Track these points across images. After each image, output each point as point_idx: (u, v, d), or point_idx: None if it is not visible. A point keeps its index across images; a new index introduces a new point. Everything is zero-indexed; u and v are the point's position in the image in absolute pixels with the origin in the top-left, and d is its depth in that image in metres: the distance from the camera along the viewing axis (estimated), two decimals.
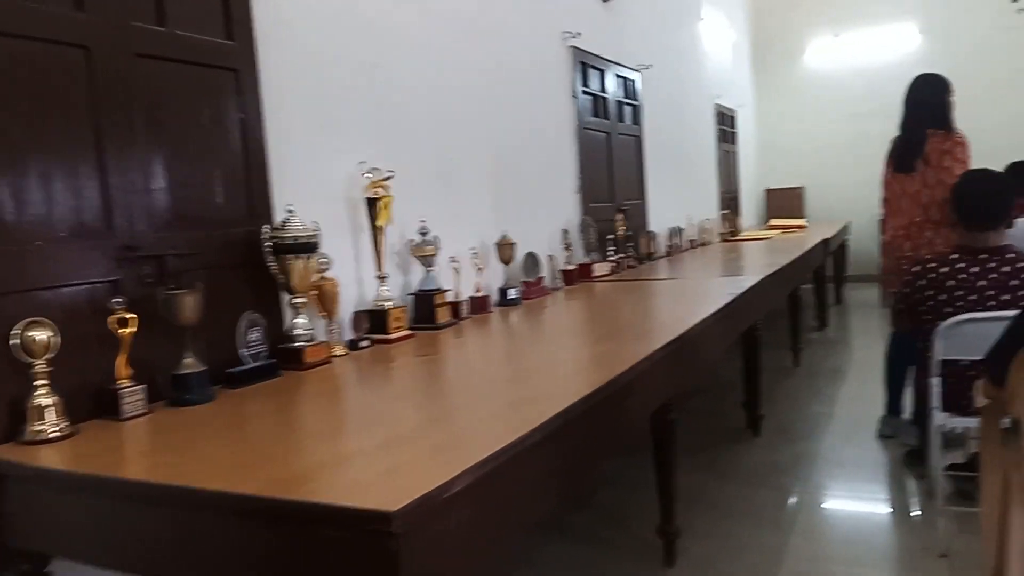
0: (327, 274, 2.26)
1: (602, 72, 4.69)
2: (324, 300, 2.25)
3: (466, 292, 2.98)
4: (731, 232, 7.05)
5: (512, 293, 3.23)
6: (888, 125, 3.58)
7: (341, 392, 2.04)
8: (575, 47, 4.24)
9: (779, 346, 5.36)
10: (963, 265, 2.52)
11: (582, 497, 3.15)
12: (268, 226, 2.08)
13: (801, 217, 8.35)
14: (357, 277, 2.53)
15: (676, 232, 5.63)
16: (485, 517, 1.28)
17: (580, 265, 4.04)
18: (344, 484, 1.23)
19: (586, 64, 4.44)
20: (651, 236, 5.18)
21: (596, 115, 4.61)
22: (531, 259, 3.48)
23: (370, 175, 2.46)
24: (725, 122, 7.70)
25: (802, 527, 2.80)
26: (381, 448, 1.39)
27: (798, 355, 5.16)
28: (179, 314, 1.77)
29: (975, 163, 2.91)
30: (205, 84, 2.01)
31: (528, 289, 3.38)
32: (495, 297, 3.23)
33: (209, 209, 2.02)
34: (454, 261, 2.90)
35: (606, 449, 1.84)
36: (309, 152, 2.35)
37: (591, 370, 1.98)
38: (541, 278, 3.53)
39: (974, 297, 2.47)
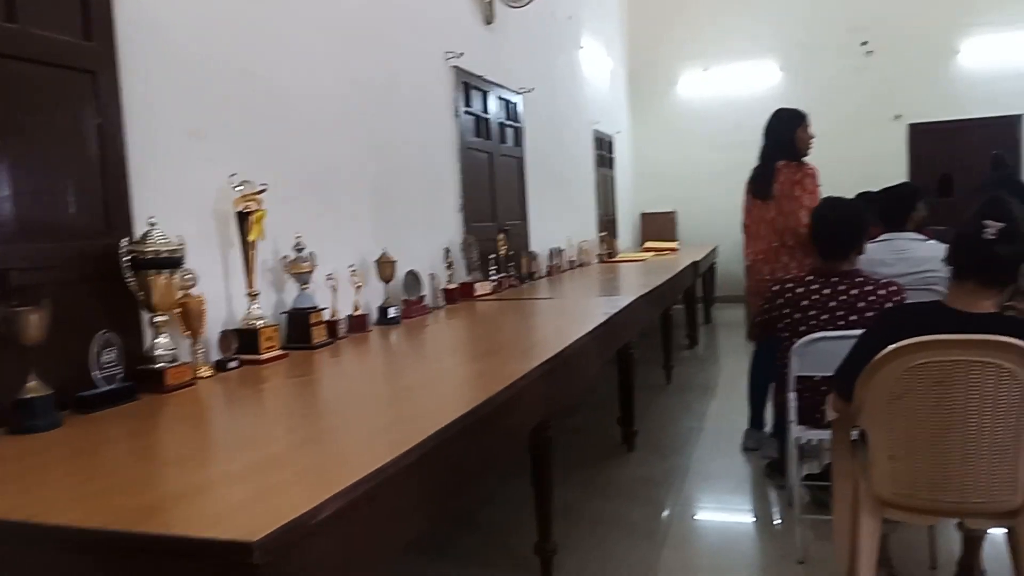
0: (193, 291, 2.14)
1: (485, 93, 4.74)
2: (189, 318, 2.12)
3: (344, 311, 2.91)
4: (608, 253, 7.27)
5: (392, 312, 3.18)
6: (752, 155, 3.82)
7: (205, 415, 1.93)
8: (458, 67, 4.26)
9: (652, 363, 5.56)
10: (817, 287, 2.70)
11: (463, 516, 3.13)
12: (127, 239, 1.95)
13: (673, 240, 8.73)
14: (226, 294, 2.41)
15: (556, 253, 5.75)
16: (357, 542, 1.23)
17: (462, 284, 4.04)
18: (203, 513, 1.16)
19: (469, 84, 4.48)
20: (532, 256, 5.26)
21: (479, 135, 4.65)
22: (412, 277, 3.44)
23: (241, 188, 2.36)
24: (603, 147, 7.96)
25: (674, 539, 2.90)
26: (246, 474, 1.32)
27: (670, 372, 5.36)
28: (22, 333, 1.62)
29: (831, 193, 3.13)
30: (59, 86, 1.87)
31: (409, 308, 3.35)
32: (374, 316, 3.17)
33: (61, 220, 1.87)
34: (331, 278, 2.83)
35: (484, 468, 1.83)
36: (176, 162, 2.23)
37: (470, 389, 1.97)
38: (422, 297, 3.50)
39: (826, 316, 2.66)
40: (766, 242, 3.67)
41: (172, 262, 1.99)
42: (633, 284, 4.89)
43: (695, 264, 6.33)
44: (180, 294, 2.07)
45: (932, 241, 3.15)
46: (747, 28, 9.17)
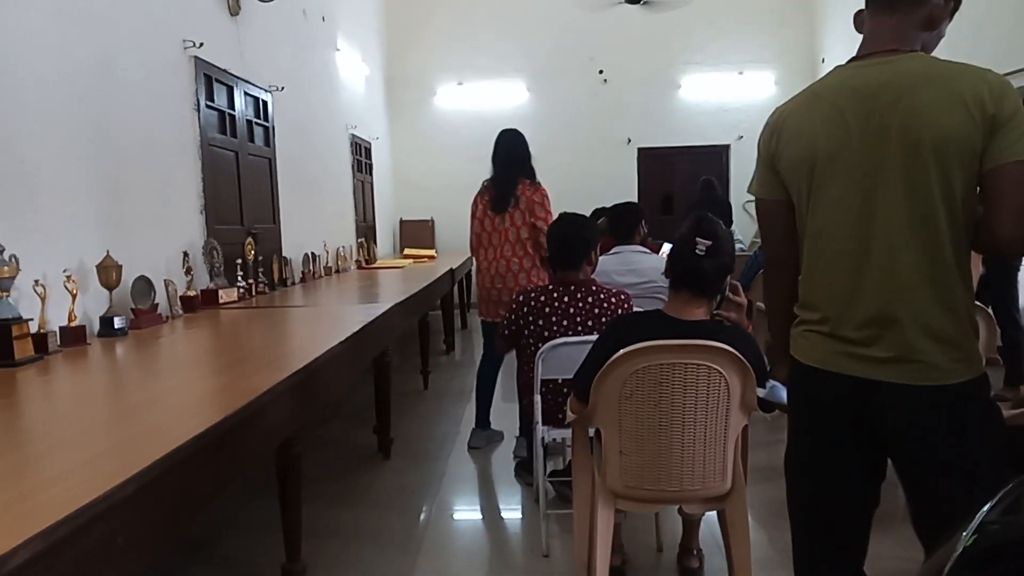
0: None
1: (230, 88, 4.45)
2: None
3: (56, 321, 2.56)
4: (367, 260, 7.18)
5: (118, 322, 2.85)
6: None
7: None
8: (198, 57, 3.95)
9: (411, 370, 5.59)
10: (557, 295, 2.87)
11: (201, 543, 2.89)
12: None
13: (431, 248, 8.85)
14: None
15: (312, 258, 5.55)
16: None
17: (204, 291, 3.74)
18: None
19: (212, 77, 4.17)
20: (285, 261, 5.02)
21: (223, 132, 4.35)
22: (143, 283, 3.12)
23: None
24: (361, 152, 7.85)
25: (429, 545, 2.91)
26: None
27: (427, 378, 5.42)
28: None
29: (572, 207, 3.35)
30: None
31: (139, 318, 3.02)
32: (96, 327, 2.82)
33: None
34: (39, 285, 2.47)
35: (221, 491, 1.69)
36: None
37: (206, 406, 1.81)
38: (156, 305, 3.18)
39: (566, 323, 2.84)
40: (498, 252, 3.90)
41: None
42: (391, 291, 4.86)
43: (452, 271, 6.46)
44: None
45: (656, 255, 3.52)
46: (497, 47, 9.58)
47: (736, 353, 1.93)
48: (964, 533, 0.74)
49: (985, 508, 0.76)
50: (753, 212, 7.67)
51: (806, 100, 1.49)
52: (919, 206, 1.34)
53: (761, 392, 1.80)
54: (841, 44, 8.26)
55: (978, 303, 1.64)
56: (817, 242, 1.47)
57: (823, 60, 9.08)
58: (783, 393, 1.65)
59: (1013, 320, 4.51)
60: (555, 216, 3.17)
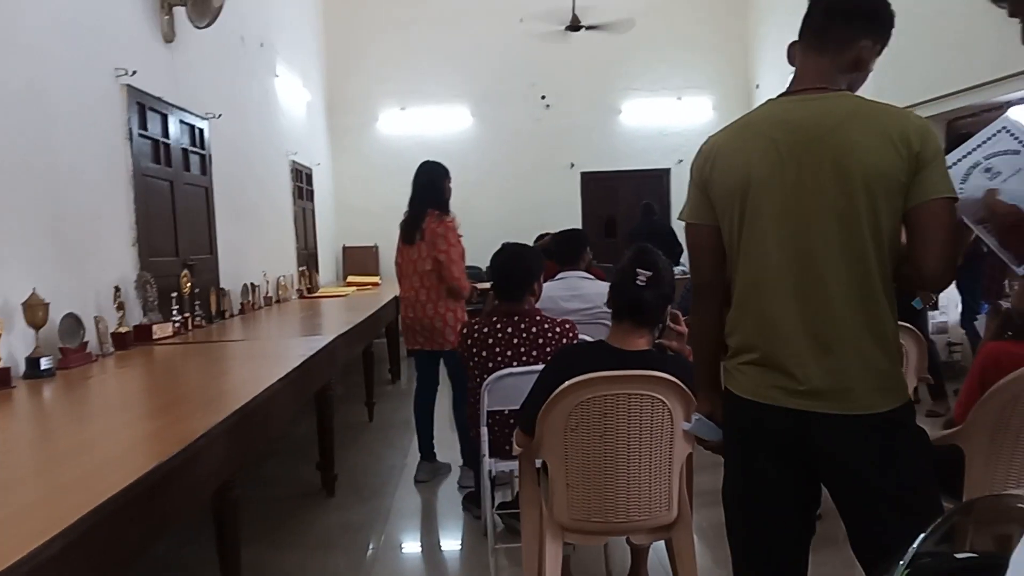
0: None
1: (164, 116, 4.34)
2: None
3: None
4: (308, 288, 7.06)
5: (45, 363, 2.72)
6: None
7: None
8: (131, 86, 3.85)
9: (355, 400, 5.49)
10: (500, 326, 2.86)
11: None
12: None
13: (376, 275, 8.76)
14: None
15: (251, 289, 5.43)
16: None
17: (137, 327, 3.61)
18: None
19: (145, 106, 4.07)
20: (223, 293, 4.90)
21: (157, 162, 4.24)
22: (72, 321, 2.99)
23: None
24: (301, 179, 7.75)
25: None
26: None
27: (372, 409, 5.33)
28: None
29: (516, 232, 3.36)
30: None
31: (68, 357, 2.90)
32: (21, 368, 2.70)
33: None
34: None
35: (154, 541, 1.62)
36: None
37: (138, 453, 1.74)
38: (85, 343, 3.06)
39: (511, 353, 2.82)
40: (410, 283, 3.93)
41: None
42: (334, 321, 4.79)
43: (397, 298, 6.39)
44: None
45: (601, 282, 3.54)
46: (440, 73, 9.62)
47: (679, 382, 1.95)
48: (899, 565, 0.75)
49: (918, 540, 0.78)
50: None
51: (740, 130, 1.52)
52: (849, 238, 1.38)
53: (686, 426, 1.77)
54: (775, 71, 8.55)
55: (906, 324, 1.69)
56: (748, 272, 1.49)
57: (757, 86, 9.38)
58: (706, 427, 1.63)
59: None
60: (498, 247, 3.15)
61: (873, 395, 1.40)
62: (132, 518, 1.46)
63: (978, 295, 4.90)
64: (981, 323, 3.98)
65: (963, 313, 5.04)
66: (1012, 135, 1.44)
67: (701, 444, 1.73)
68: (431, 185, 3.90)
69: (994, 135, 1.46)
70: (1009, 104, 5.09)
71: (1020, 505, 0.72)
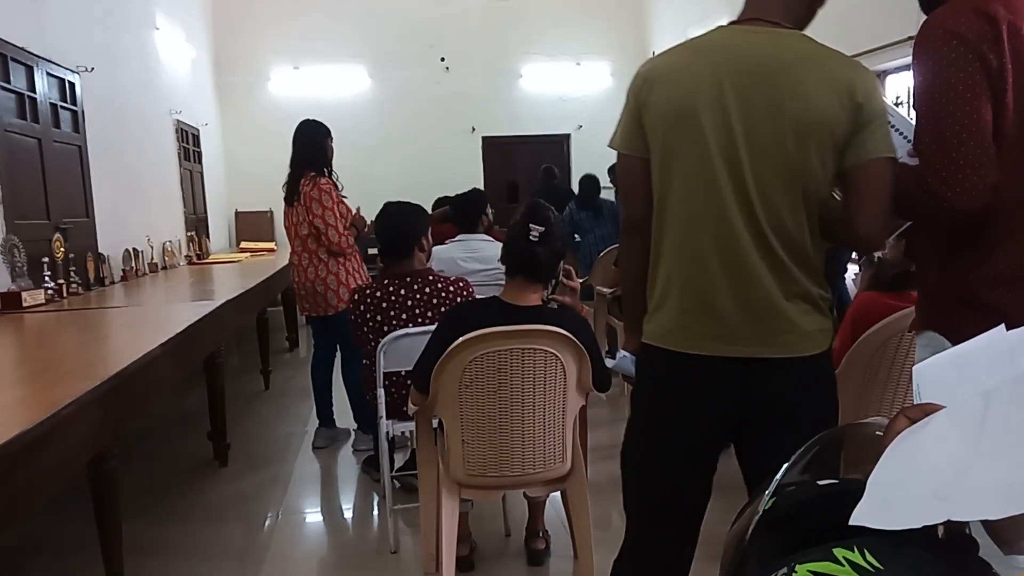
0: None
1: (30, 68, 4.00)
2: None
3: None
4: (198, 255, 6.75)
5: None
6: (341, 159, 3.84)
7: None
8: None
9: (251, 369, 5.31)
10: (393, 288, 2.80)
11: (6, 572, 2.60)
12: None
13: (271, 240, 8.46)
14: None
15: (133, 254, 5.13)
16: None
17: (4, 294, 3.36)
18: None
19: (6, 56, 3.73)
20: (102, 259, 4.61)
21: (23, 117, 3.91)
22: None
23: None
24: (188, 140, 7.35)
25: (273, 554, 2.77)
26: None
27: (268, 377, 5.17)
28: None
29: (417, 197, 3.24)
30: None
31: None
32: None
33: None
34: None
35: (19, 516, 1.51)
36: None
37: (1, 422, 1.62)
38: None
39: (405, 316, 2.78)
40: (293, 247, 3.83)
41: None
42: (223, 287, 4.60)
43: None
44: None
45: (500, 243, 3.53)
46: (335, 30, 9.27)
47: (571, 336, 1.97)
48: (764, 496, 0.77)
49: (782, 470, 0.79)
50: None
51: (684, 54, 1.43)
52: (779, 184, 1.34)
53: (610, 363, 1.74)
54: (670, 35, 8.70)
55: None
56: (674, 214, 1.41)
57: (653, 52, 9.53)
58: (631, 364, 1.57)
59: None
60: (380, 206, 3.05)
61: (810, 338, 1.39)
62: None
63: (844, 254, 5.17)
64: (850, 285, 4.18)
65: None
66: (893, 127, 1.49)
67: (627, 381, 1.67)
68: (309, 145, 3.72)
69: None
70: (886, 73, 5.37)
71: (879, 432, 0.76)
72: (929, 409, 0.67)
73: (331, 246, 3.64)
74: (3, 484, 1.42)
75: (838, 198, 1.41)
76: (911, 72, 1.35)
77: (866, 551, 0.60)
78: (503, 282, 2.12)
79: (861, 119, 1.32)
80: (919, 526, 0.57)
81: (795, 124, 1.31)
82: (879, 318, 2.06)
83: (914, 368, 0.78)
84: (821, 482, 0.81)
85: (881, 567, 0.59)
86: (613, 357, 1.77)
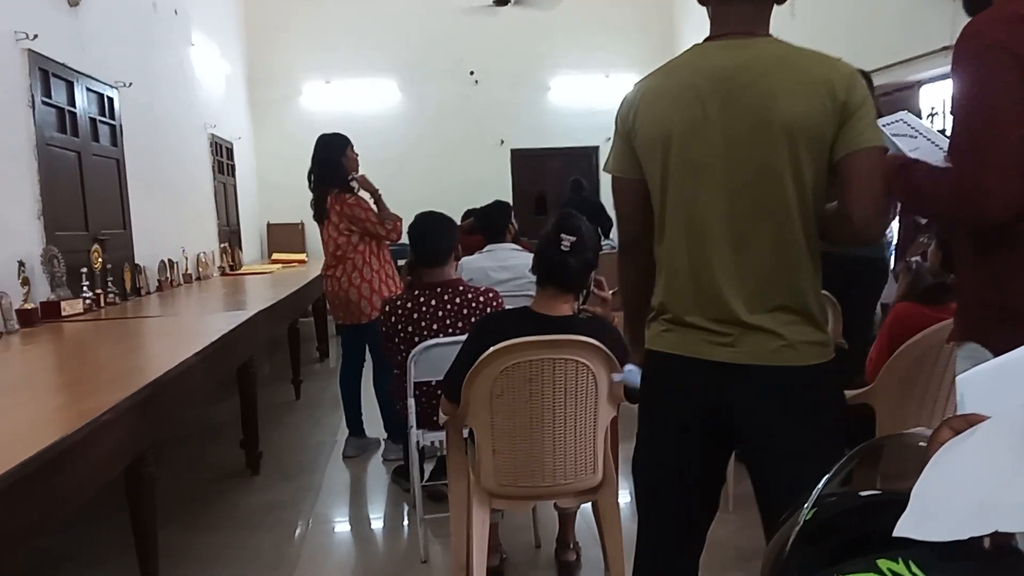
0: None
1: (71, 84, 4.11)
2: None
3: None
4: (231, 266, 6.85)
5: None
6: (370, 171, 3.88)
7: None
8: (32, 50, 3.62)
9: (282, 379, 5.37)
10: (424, 299, 2.82)
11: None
12: None
13: (302, 252, 8.56)
14: None
15: (169, 265, 5.22)
16: None
17: (44, 304, 3.43)
18: None
19: (48, 72, 3.84)
20: (138, 269, 4.70)
21: (63, 131, 4.01)
22: None
23: None
24: (222, 153, 7.48)
25: (304, 562, 2.79)
26: None
27: (299, 387, 5.22)
28: None
29: (446, 210, 3.25)
30: None
31: None
32: None
33: None
34: None
35: (53, 521, 1.54)
36: None
37: (39, 429, 1.64)
38: None
39: (436, 326, 2.79)
40: (326, 260, 3.88)
41: None
42: (256, 297, 4.66)
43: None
44: None
45: (528, 253, 3.55)
46: (366, 45, 9.39)
47: (601, 346, 1.96)
48: (804, 507, 0.76)
49: (823, 482, 0.79)
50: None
51: (662, 77, 1.46)
52: (772, 192, 1.34)
53: (617, 377, 1.73)
54: None
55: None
56: (672, 228, 1.44)
57: None
58: (638, 377, 1.58)
59: None
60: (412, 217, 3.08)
61: (799, 349, 1.37)
62: (30, 494, 1.39)
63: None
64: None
65: None
66: (908, 124, 1.50)
67: (628, 399, 1.68)
68: (324, 163, 3.76)
69: (893, 123, 1.55)
70: (920, 83, 5.29)
71: (921, 443, 0.74)
72: (973, 420, 0.66)
73: (389, 237, 3.71)
74: (42, 489, 1.44)
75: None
76: (951, 78, 1.32)
77: (911, 562, 0.59)
78: (531, 292, 2.12)
79: (846, 113, 1.31)
80: (965, 538, 0.55)
81: (782, 129, 1.32)
82: (916, 330, 2.02)
83: (958, 378, 0.77)
84: (863, 493, 0.80)
85: None
86: None
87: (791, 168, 1.33)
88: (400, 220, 3.73)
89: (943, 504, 0.60)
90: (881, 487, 0.85)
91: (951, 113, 1.34)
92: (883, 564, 0.60)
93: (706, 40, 1.45)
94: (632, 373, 1.61)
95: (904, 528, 0.58)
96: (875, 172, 1.33)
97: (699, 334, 1.42)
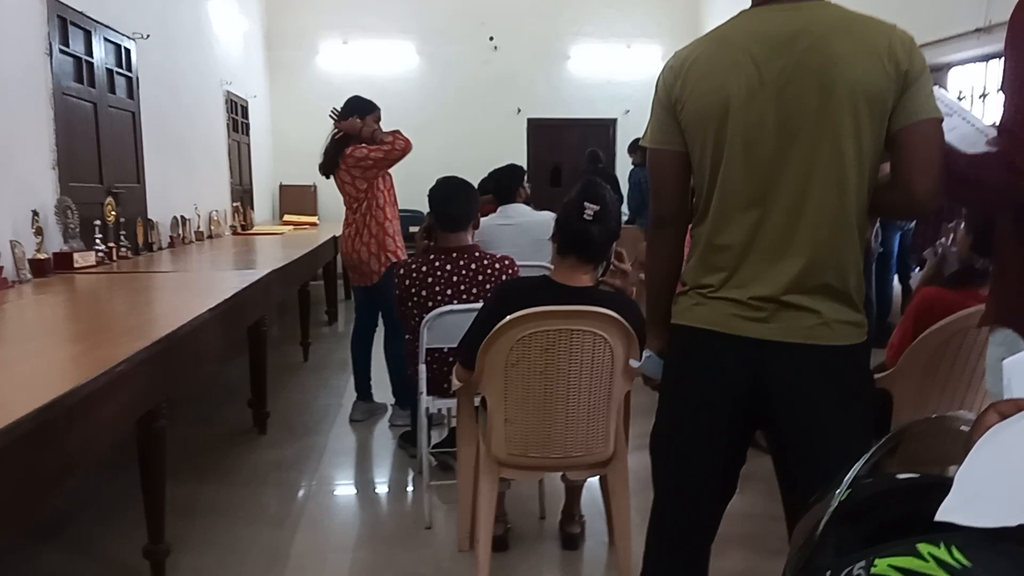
0: None
1: (88, 33, 4.06)
2: None
3: None
4: (243, 225, 6.84)
5: None
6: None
7: None
8: None
9: (291, 341, 5.38)
10: (439, 264, 2.79)
11: (47, 529, 2.66)
12: None
13: (314, 215, 8.53)
14: None
15: (181, 222, 5.21)
16: None
17: (57, 254, 3.43)
18: None
19: (66, 20, 3.79)
20: (150, 224, 4.68)
21: (80, 81, 3.97)
22: None
23: None
24: (237, 111, 7.42)
25: (307, 521, 2.80)
26: None
27: (307, 349, 5.23)
28: None
29: (462, 172, 3.22)
30: None
31: None
32: None
33: None
34: None
35: (69, 470, 1.54)
36: None
37: (55, 378, 1.64)
38: (0, 268, 2.88)
39: (451, 291, 2.77)
40: (346, 215, 3.83)
41: None
42: (268, 257, 4.64)
43: (335, 239, 6.24)
44: None
45: (539, 212, 3.58)
46: (385, 5, 9.23)
47: (621, 319, 1.94)
48: (838, 489, 0.75)
49: (859, 464, 0.78)
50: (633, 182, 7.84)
51: (713, 44, 1.39)
52: (832, 163, 1.30)
53: (635, 363, 1.71)
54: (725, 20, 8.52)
55: None
56: (718, 201, 1.39)
57: None
58: (656, 366, 1.56)
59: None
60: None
61: (837, 328, 1.34)
62: (46, 443, 1.38)
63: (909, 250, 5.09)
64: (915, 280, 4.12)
65: (899, 269, 5.21)
66: (943, 103, 1.45)
67: (647, 384, 1.65)
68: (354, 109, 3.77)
69: None
70: (950, 65, 5.19)
71: (962, 427, 0.72)
72: (1022, 404, 0.64)
73: (395, 148, 3.63)
74: (60, 437, 1.44)
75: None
76: (1004, 54, 1.27)
77: (952, 547, 0.57)
78: (540, 250, 2.08)
79: (907, 81, 1.28)
80: (1013, 524, 0.54)
81: (847, 93, 1.27)
82: (943, 315, 1.99)
83: (1005, 362, 0.75)
84: (900, 476, 0.79)
85: (969, 564, 0.56)
86: None
87: (853, 135, 1.29)
88: (397, 131, 3.71)
89: (989, 489, 0.58)
90: (917, 471, 0.84)
91: (1000, 91, 1.29)
92: (923, 548, 0.58)
93: (754, 5, 1.39)
94: (650, 360, 1.57)
95: (947, 512, 0.57)
96: (935, 144, 1.29)
97: (732, 307, 1.38)
